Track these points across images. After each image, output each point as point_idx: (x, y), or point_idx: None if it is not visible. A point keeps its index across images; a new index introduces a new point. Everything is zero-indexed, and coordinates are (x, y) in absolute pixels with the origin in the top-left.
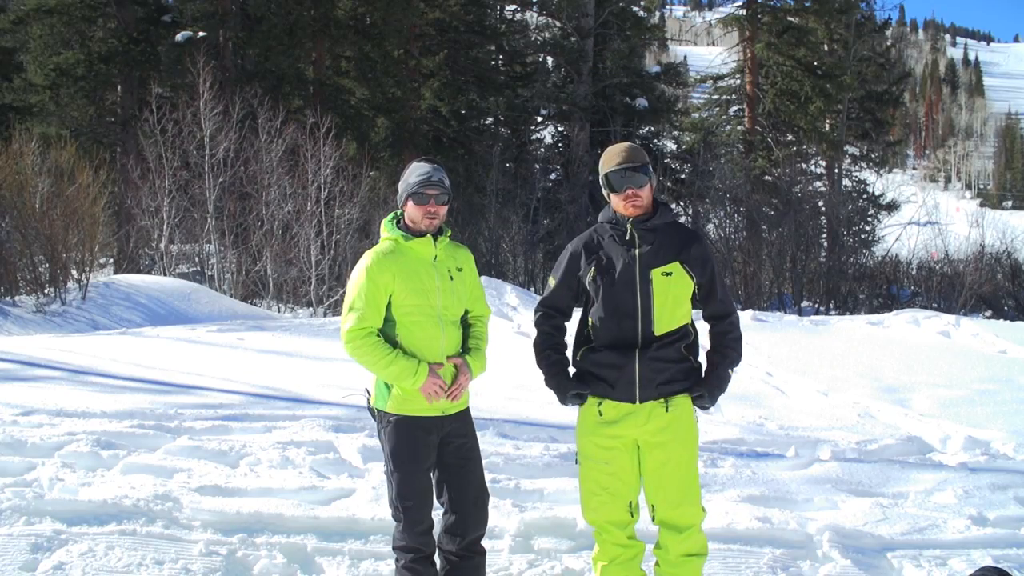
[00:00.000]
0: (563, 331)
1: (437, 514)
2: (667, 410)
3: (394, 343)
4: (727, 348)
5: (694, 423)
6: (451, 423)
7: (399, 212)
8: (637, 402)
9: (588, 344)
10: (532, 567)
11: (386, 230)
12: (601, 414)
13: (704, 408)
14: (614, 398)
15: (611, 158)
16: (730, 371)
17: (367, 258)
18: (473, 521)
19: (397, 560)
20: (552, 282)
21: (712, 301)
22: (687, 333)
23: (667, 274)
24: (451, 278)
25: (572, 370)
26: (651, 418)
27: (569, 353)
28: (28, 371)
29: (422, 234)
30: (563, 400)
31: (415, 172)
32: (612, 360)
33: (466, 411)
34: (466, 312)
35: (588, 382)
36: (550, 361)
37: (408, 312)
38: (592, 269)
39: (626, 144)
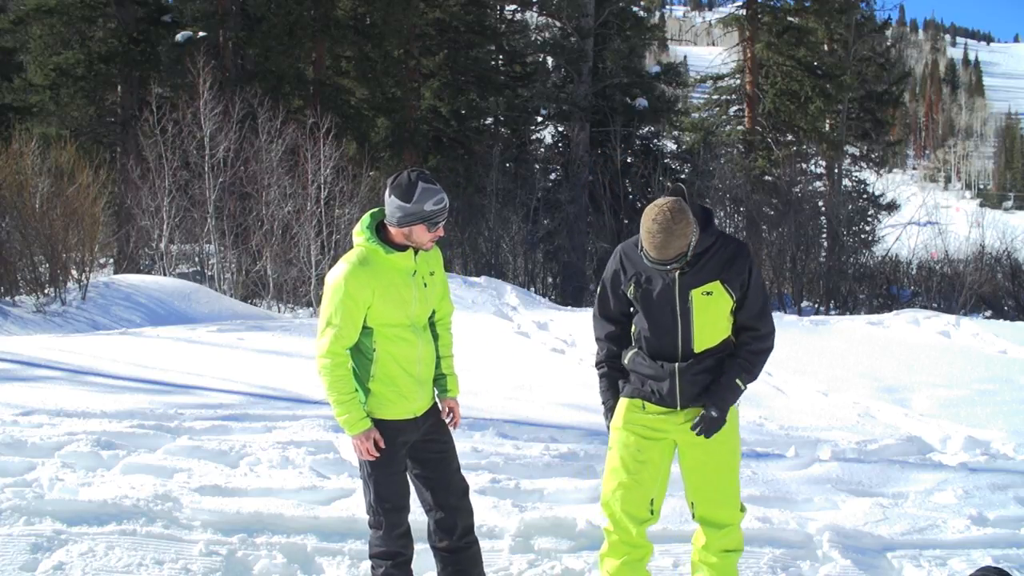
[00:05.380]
0: (619, 339)
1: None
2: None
3: (371, 351)
4: (742, 358)
5: (736, 423)
6: (424, 422)
7: (376, 213)
8: (678, 408)
9: (635, 347)
10: (532, 567)
11: (362, 237)
12: (644, 408)
13: (713, 418)
14: (656, 403)
15: (645, 240)
16: (738, 380)
17: (343, 269)
18: (463, 512)
19: (374, 568)
20: (600, 288)
21: (742, 315)
22: (727, 345)
23: (707, 293)
24: (425, 286)
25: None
26: (692, 416)
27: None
28: (28, 371)
29: (403, 247)
30: (607, 418)
31: (432, 199)
32: (655, 371)
33: (434, 407)
34: (433, 312)
35: (635, 383)
36: (607, 379)
37: (385, 323)
38: (632, 285)
39: (663, 228)
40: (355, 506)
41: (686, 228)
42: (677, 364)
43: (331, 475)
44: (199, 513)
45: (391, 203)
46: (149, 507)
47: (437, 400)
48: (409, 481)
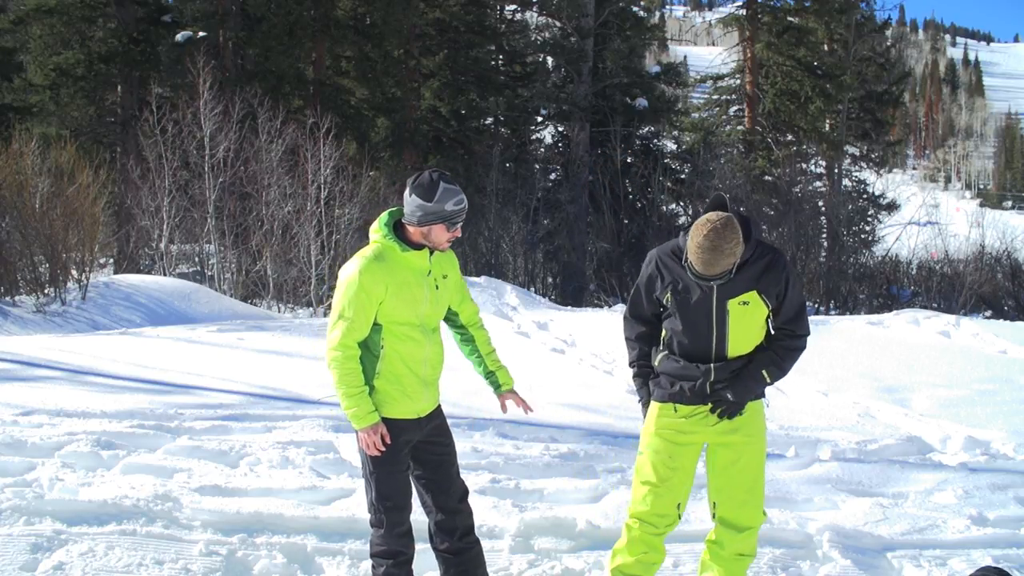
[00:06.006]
0: (650, 339)
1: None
2: (742, 413)
3: (379, 348)
4: (773, 351)
5: (764, 426)
6: (428, 424)
7: (395, 211)
8: (709, 402)
9: (666, 349)
10: (532, 567)
11: (379, 234)
12: (676, 411)
13: (730, 401)
14: (688, 403)
15: (692, 255)
16: (765, 372)
17: (358, 264)
18: (462, 515)
19: (375, 567)
20: (634, 290)
21: (778, 319)
22: (761, 350)
23: (744, 303)
24: (437, 287)
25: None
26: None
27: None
28: (28, 371)
29: (419, 246)
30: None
31: (451, 199)
32: (688, 370)
33: (438, 409)
34: (455, 315)
35: (664, 386)
36: (643, 376)
37: (395, 321)
38: (668, 292)
39: (714, 247)
40: (355, 506)
41: (736, 247)
42: (712, 364)
43: (331, 475)
44: (199, 513)
45: (412, 202)
46: (149, 507)
47: (496, 396)
48: (411, 481)
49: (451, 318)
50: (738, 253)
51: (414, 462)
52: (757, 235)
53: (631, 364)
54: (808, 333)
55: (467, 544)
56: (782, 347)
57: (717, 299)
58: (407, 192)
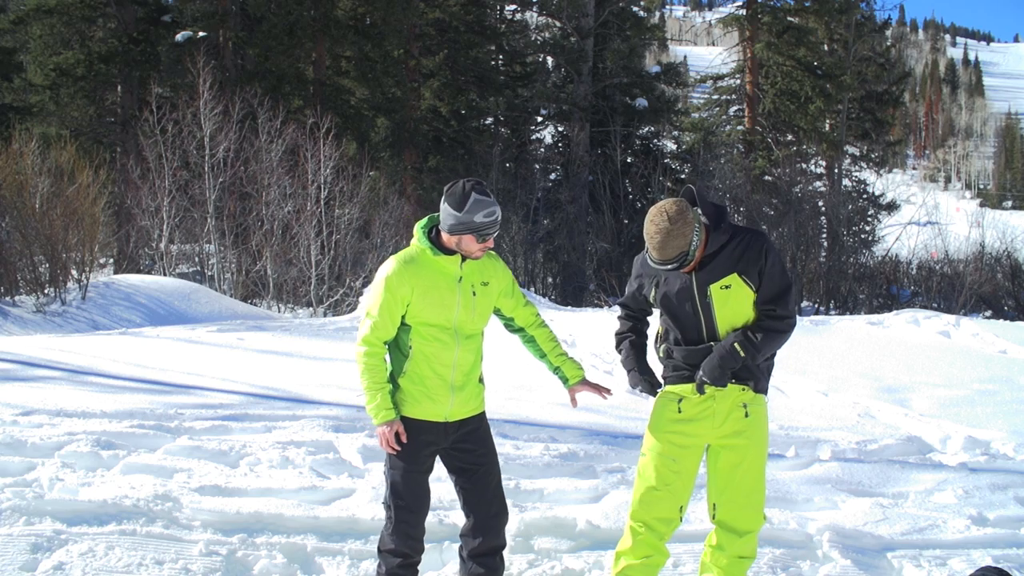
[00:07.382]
0: (643, 321)
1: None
2: (746, 415)
3: (408, 348)
4: (751, 328)
5: (767, 430)
6: (457, 429)
7: (435, 217)
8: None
9: (664, 343)
10: (532, 567)
11: (416, 236)
12: (680, 411)
13: (703, 382)
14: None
15: (646, 241)
16: (737, 345)
17: (390, 265)
18: (491, 532)
19: (380, 566)
20: (628, 289)
21: (759, 298)
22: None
23: (726, 287)
24: (474, 294)
25: (655, 367)
26: (728, 420)
27: (649, 342)
28: (28, 371)
29: (451, 252)
30: (633, 384)
31: (483, 211)
32: (690, 359)
33: (476, 418)
34: (512, 320)
35: (672, 376)
36: (628, 343)
37: (424, 322)
38: (654, 288)
39: (660, 230)
40: (355, 506)
41: (683, 228)
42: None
43: (331, 475)
44: (199, 513)
45: (444, 210)
46: (149, 507)
47: (566, 392)
48: (429, 487)
49: (509, 324)
50: (689, 235)
51: (448, 467)
52: (729, 220)
53: (619, 335)
54: (791, 316)
55: (487, 564)
56: (760, 325)
57: (698, 285)
58: (442, 198)
